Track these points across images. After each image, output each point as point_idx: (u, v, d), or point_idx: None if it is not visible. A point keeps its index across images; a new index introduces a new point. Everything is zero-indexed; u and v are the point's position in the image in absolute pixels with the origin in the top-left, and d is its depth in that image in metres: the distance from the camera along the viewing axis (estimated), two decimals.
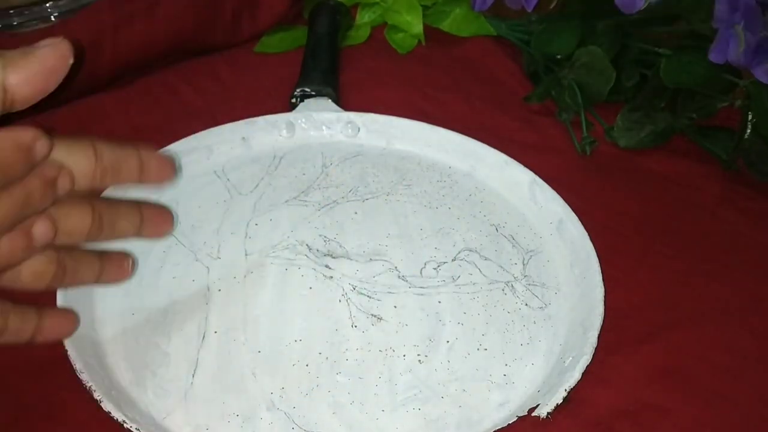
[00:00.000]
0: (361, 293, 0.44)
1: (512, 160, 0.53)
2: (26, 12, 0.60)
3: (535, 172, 0.52)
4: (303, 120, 0.56)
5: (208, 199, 0.50)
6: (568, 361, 0.41)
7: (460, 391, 0.40)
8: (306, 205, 0.50)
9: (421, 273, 0.46)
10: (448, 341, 0.42)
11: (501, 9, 0.64)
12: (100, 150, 0.34)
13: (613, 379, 0.42)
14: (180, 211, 0.48)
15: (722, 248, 0.51)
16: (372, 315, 0.43)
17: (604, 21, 0.61)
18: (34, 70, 0.31)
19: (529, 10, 0.60)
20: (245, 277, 0.44)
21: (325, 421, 0.38)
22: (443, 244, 0.48)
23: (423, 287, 0.45)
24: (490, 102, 0.63)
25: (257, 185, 0.51)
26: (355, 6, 0.70)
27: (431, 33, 0.69)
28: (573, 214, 0.49)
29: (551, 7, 0.64)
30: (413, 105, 0.61)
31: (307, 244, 0.47)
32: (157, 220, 0.40)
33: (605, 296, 0.44)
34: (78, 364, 0.37)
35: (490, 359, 0.42)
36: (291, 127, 0.55)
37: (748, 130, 0.55)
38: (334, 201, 0.50)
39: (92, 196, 0.37)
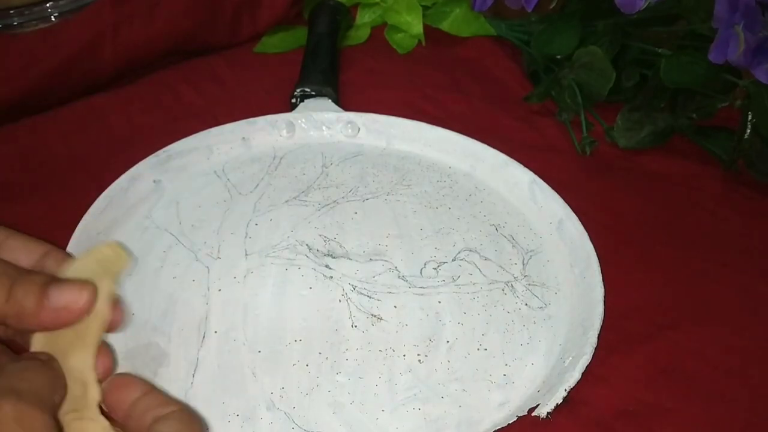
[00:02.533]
0: (361, 293, 0.44)
1: (512, 160, 0.53)
2: (26, 12, 0.60)
3: (535, 172, 0.52)
4: (303, 120, 0.56)
5: (208, 199, 0.50)
6: (568, 361, 0.41)
7: (460, 391, 0.40)
8: (306, 205, 0.50)
9: (421, 273, 0.46)
10: (448, 341, 0.42)
11: (501, 9, 0.64)
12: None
13: (613, 379, 0.42)
14: (180, 211, 0.49)
15: (722, 248, 0.51)
16: (372, 315, 0.43)
17: (604, 21, 0.61)
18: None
19: (529, 10, 0.60)
20: (245, 277, 0.44)
21: (325, 421, 0.38)
22: (443, 244, 0.48)
23: (423, 287, 0.45)
24: (490, 102, 0.63)
25: (257, 185, 0.51)
26: (355, 6, 0.70)
27: (431, 33, 0.69)
28: (573, 214, 0.49)
29: (551, 7, 0.64)
30: (413, 105, 0.61)
31: (307, 244, 0.47)
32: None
33: (605, 296, 0.44)
34: None
35: (490, 359, 0.42)
36: (291, 127, 0.55)
37: (748, 130, 0.55)
38: (334, 201, 0.50)
39: None
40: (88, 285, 0.31)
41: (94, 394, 0.31)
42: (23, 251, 0.35)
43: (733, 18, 0.51)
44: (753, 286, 0.49)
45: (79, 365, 0.31)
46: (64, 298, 0.30)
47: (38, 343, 0.31)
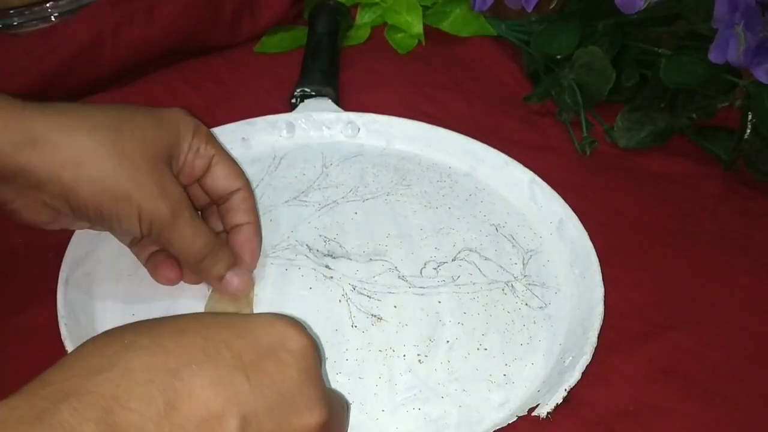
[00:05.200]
0: (361, 293, 0.44)
1: (512, 159, 0.53)
2: (26, 12, 0.60)
3: (535, 172, 0.52)
4: (303, 120, 0.56)
5: None
6: (568, 361, 0.41)
7: (460, 391, 0.40)
8: (306, 206, 0.50)
9: (421, 273, 0.46)
10: (448, 341, 0.42)
11: (501, 9, 0.64)
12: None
13: (613, 379, 0.42)
14: None
15: (722, 248, 0.51)
16: (372, 315, 0.43)
17: (604, 21, 0.61)
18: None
19: (529, 10, 0.60)
20: None
21: None
22: (443, 244, 0.48)
23: (423, 287, 0.45)
24: (490, 102, 0.63)
25: (257, 185, 0.51)
26: (355, 6, 0.70)
27: (431, 33, 0.69)
28: (573, 214, 0.49)
29: (551, 7, 0.64)
30: (413, 105, 0.61)
31: (307, 244, 0.47)
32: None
33: (605, 296, 0.44)
34: None
35: (490, 359, 0.42)
36: (291, 127, 0.55)
37: (748, 130, 0.55)
38: (334, 201, 0.50)
39: None
40: (249, 279, 0.43)
41: None
42: (223, 181, 0.43)
43: (733, 18, 0.51)
44: (753, 286, 0.49)
45: None
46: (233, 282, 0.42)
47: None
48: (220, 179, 0.43)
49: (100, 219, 0.38)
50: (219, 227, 0.44)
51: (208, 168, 0.42)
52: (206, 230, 0.40)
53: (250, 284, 0.42)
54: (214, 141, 0.43)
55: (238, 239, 0.43)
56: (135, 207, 0.37)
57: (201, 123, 0.42)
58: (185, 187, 0.43)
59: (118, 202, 0.37)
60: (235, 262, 0.42)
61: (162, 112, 0.41)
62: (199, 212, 0.44)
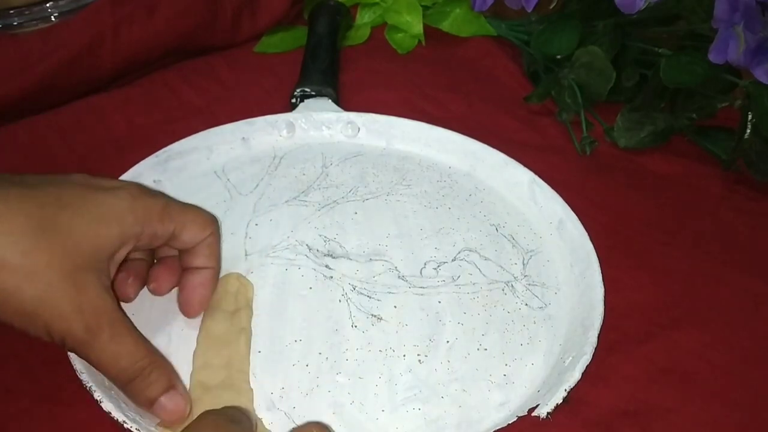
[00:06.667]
0: (361, 293, 0.44)
1: (512, 159, 0.53)
2: (26, 12, 0.60)
3: (535, 172, 0.52)
4: (303, 120, 0.56)
5: (208, 199, 0.49)
6: (568, 361, 0.41)
7: (460, 391, 0.40)
8: (306, 205, 0.50)
9: (421, 273, 0.46)
10: (448, 341, 0.42)
11: (501, 9, 0.64)
12: None
13: (613, 379, 0.42)
14: None
15: (722, 248, 0.51)
16: (372, 315, 0.43)
17: (604, 21, 0.61)
18: None
19: (529, 10, 0.60)
20: (245, 277, 0.44)
21: (325, 421, 0.38)
22: (443, 244, 0.48)
23: (423, 287, 0.45)
24: (490, 102, 0.63)
25: (257, 185, 0.51)
26: (355, 6, 0.70)
27: (431, 33, 0.69)
28: (573, 214, 0.49)
29: (551, 7, 0.64)
30: (413, 105, 0.61)
31: (307, 244, 0.47)
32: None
33: (605, 296, 0.44)
34: (78, 364, 0.37)
35: (490, 359, 0.42)
36: (291, 127, 0.55)
37: (748, 130, 0.55)
38: (334, 201, 0.50)
39: None
40: (186, 403, 0.37)
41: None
42: (191, 238, 0.40)
43: (733, 18, 0.51)
44: (753, 286, 0.49)
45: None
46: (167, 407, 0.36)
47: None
48: (187, 240, 0.40)
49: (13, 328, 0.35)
50: (172, 253, 0.42)
51: (172, 236, 0.39)
52: (134, 348, 0.36)
53: (185, 410, 0.36)
54: (172, 210, 0.39)
55: (193, 281, 0.41)
56: (42, 326, 0.34)
57: (153, 200, 0.38)
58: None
59: (23, 318, 0.34)
60: (170, 384, 0.36)
61: (104, 203, 0.36)
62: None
